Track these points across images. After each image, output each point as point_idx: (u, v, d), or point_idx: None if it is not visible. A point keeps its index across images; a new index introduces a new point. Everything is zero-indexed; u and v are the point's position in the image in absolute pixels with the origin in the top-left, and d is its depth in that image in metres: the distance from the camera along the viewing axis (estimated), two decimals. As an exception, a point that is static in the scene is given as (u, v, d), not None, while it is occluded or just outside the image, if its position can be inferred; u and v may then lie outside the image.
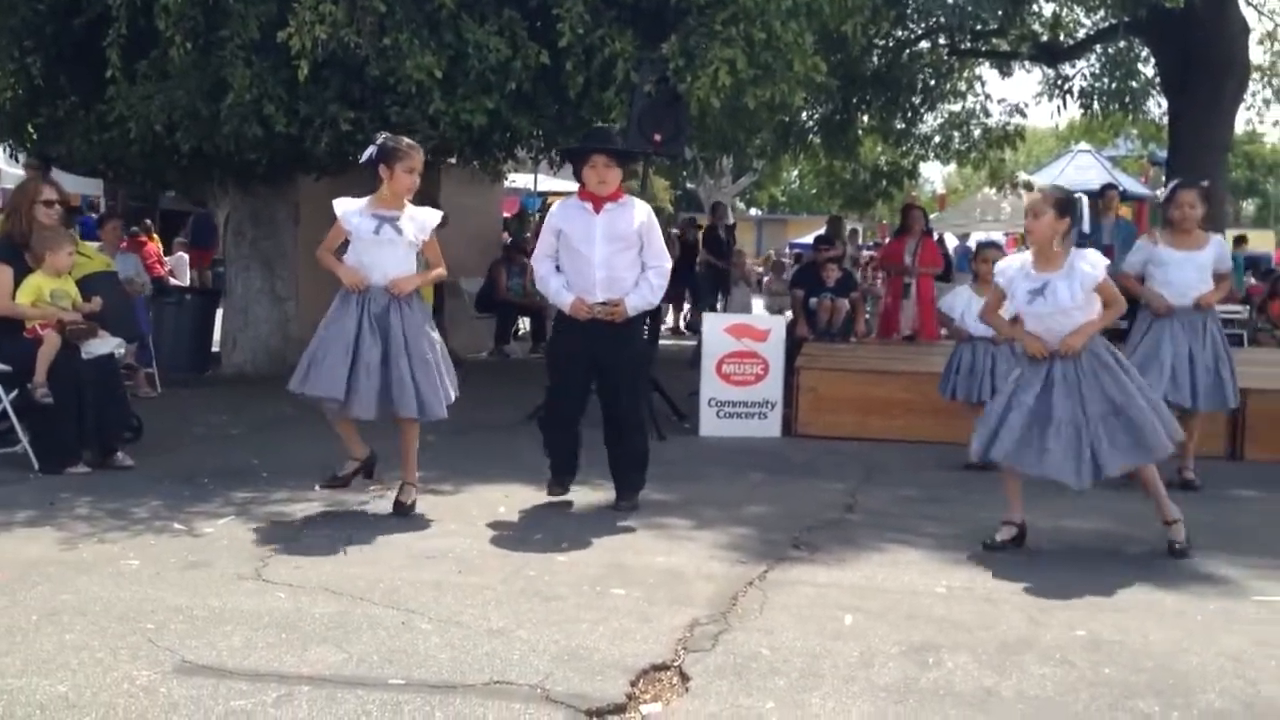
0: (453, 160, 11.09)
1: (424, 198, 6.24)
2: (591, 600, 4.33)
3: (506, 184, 16.24)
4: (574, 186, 6.09)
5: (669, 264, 5.90)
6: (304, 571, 4.58)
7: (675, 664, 3.67)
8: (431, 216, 5.75)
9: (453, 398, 5.75)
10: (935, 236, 20.75)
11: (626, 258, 5.74)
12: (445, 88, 8.18)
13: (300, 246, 11.29)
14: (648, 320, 15.03)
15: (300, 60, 7.85)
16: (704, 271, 15.92)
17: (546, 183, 18.25)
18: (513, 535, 5.32)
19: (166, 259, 17.49)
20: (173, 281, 15.20)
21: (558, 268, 5.81)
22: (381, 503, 5.87)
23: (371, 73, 8.14)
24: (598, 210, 5.71)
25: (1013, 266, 5.34)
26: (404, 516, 5.62)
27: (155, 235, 18.27)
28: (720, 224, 16.11)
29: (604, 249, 5.69)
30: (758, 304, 16.83)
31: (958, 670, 3.67)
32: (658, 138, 8.45)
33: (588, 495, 6.11)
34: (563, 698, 3.35)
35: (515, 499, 6.05)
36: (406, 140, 5.72)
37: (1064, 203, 5.15)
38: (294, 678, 3.45)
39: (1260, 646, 3.97)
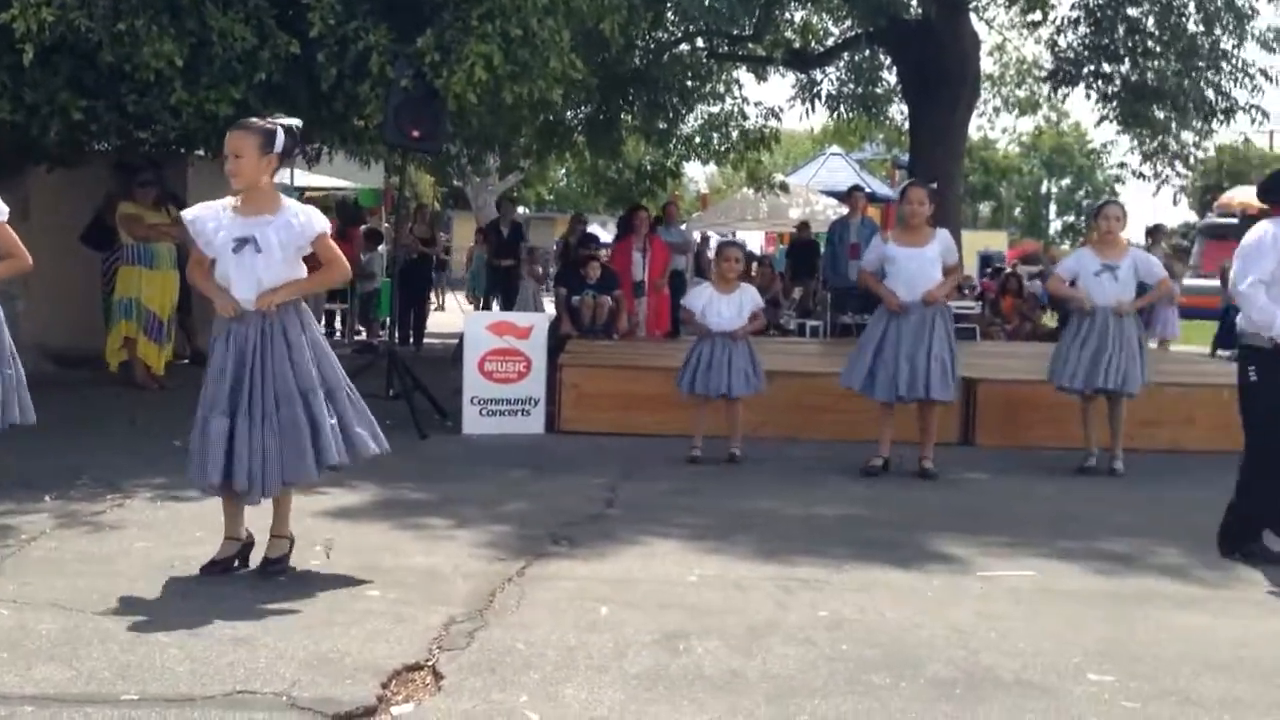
0: (200, 152, 10.65)
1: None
2: (345, 603, 4.24)
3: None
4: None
5: None
6: (31, 587, 4.28)
7: (429, 663, 3.63)
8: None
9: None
10: (697, 235, 21.36)
11: None
12: (188, 77, 7.81)
13: (31, 241, 10.57)
14: (412, 317, 14.74)
15: (25, 45, 7.35)
16: (487, 269, 15.76)
17: (304, 178, 17.67)
18: (264, 540, 5.13)
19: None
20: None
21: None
22: (119, 512, 5.56)
23: (105, 59, 7.69)
24: None
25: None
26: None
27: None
28: (504, 220, 15.96)
29: None
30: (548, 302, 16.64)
31: (707, 655, 3.78)
32: (415, 133, 8.35)
33: (344, 497, 5.97)
34: (309, 704, 3.26)
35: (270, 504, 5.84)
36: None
37: (271, 135, 4.47)
38: (15, 698, 3.23)
39: (982, 619, 4.25)
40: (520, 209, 45.13)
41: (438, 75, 8.06)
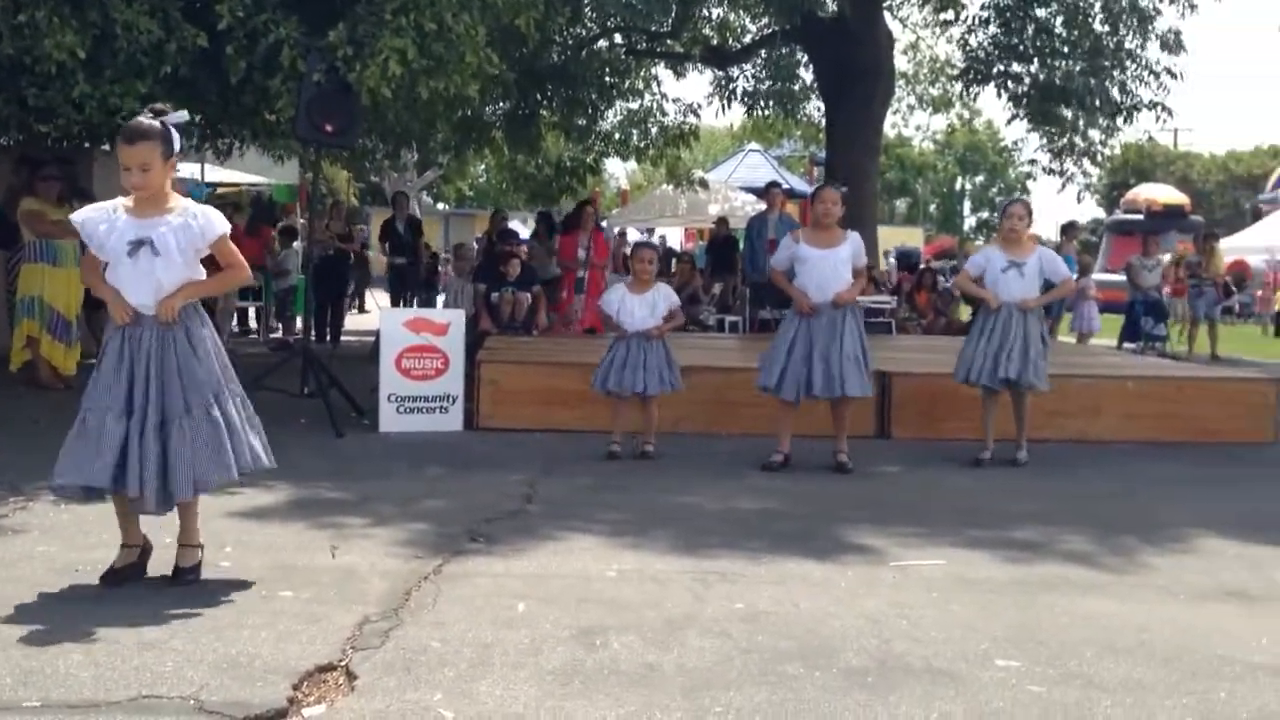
0: (105, 147, 10.41)
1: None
2: (256, 605, 4.17)
3: (172, 174, 15.30)
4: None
5: None
6: (-73, 595, 4.16)
7: (342, 663, 3.59)
8: None
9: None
10: (617, 231, 21.40)
11: None
12: (91, 70, 7.62)
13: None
14: (329, 314, 14.57)
15: (-79, 36, 7.14)
16: (390, 269, 15.43)
17: (214, 173, 17.32)
18: (173, 541, 5.03)
19: None
20: None
21: None
22: (21, 516, 5.41)
23: (5, 51, 7.48)
24: None
25: None
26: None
27: None
28: (400, 217, 15.63)
29: None
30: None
31: (623, 649, 3.78)
32: (328, 128, 8.24)
33: (258, 496, 5.88)
34: (218, 707, 3.20)
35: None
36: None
37: (169, 137, 4.37)
38: (-91, 711, 3.13)
39: (894, 608, 4.32)
40: (440, 205, 44.78)
41: (351, 69, 7.97)
